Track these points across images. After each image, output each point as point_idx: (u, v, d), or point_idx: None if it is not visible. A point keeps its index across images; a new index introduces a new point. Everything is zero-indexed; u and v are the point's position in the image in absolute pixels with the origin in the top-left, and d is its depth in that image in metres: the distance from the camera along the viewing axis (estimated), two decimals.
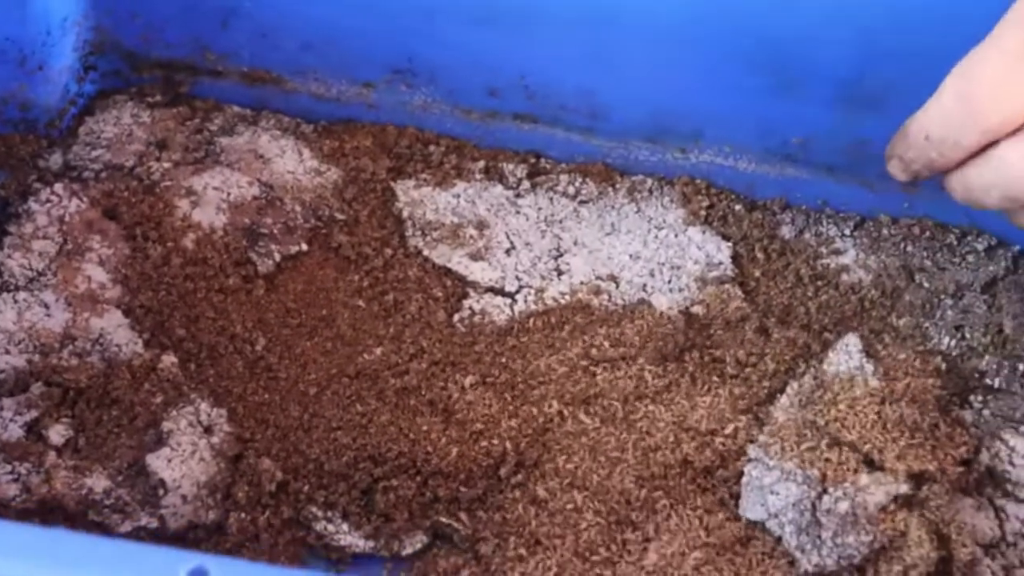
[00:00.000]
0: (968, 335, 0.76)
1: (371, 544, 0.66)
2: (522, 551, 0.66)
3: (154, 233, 0.74)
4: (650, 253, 0.78)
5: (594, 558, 0.65)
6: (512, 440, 0.69)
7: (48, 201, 0.75)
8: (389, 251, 0.77)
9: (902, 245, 0.80)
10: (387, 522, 0.66)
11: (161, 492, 0.64)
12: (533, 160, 0.83)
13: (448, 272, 0.76)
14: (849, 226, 0.81)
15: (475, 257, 0.77)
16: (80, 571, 0.46)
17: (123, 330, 0.70)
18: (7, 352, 0.68)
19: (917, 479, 0.66)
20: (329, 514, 0.66)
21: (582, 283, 0.76)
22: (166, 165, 0.78)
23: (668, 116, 0.81)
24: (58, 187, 0.75)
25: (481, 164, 0.82)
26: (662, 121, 0.81)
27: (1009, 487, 0.70)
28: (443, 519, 0.66)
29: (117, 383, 0.68)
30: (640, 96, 0.81)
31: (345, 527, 0.66)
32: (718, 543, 0.66)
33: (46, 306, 0.70)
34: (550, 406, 0.71)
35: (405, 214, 0.78)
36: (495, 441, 0.69)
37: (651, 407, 0.71)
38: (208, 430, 0.67)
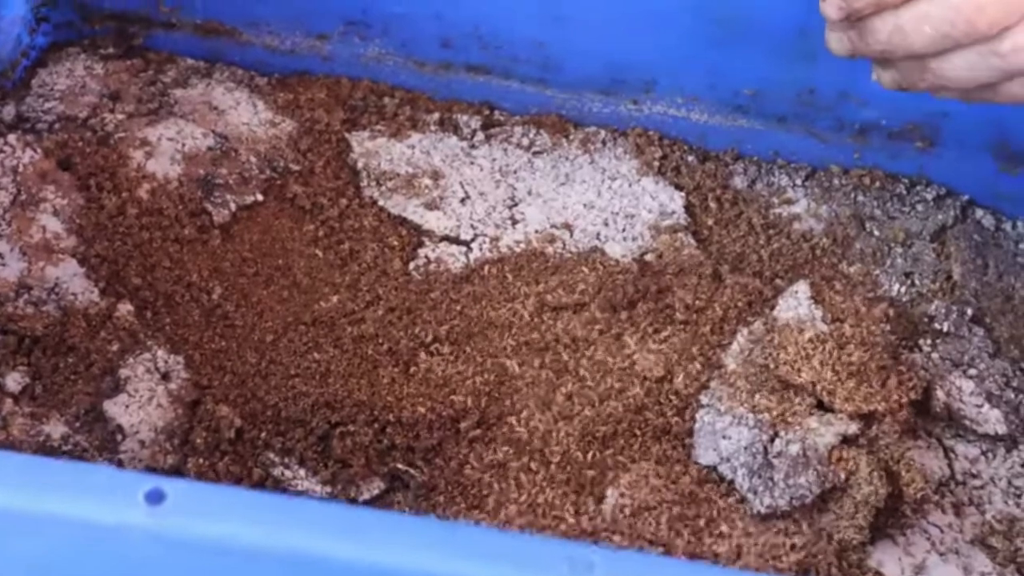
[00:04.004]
0: (917, 282, 0.77)
1: (328, 489, 0.66)
2: (475, 506, 0.66)
3: (108, 184, 0.74)
4: (604, 203, 0.79)
5: (552, 514, 0.65)
6: (472, 395, 0.69)
7: (1, 152, 0.74)
8: (344, 201, 0.77)
9: (853, 195, 0.81)
10: (344, 468, 0.66)
11: (119, 437, 0.64)
12: (487, 112, 0.83)
13: (403, 221, 0.77)
14: (800, 176, 0.82)
15: (430, 206, 0.77)
16: (41, 493, 0.46)
17: (79, 279, 0.70)
18: None
19: (866, 419, 0.67)
20: (286, 460, 0.66)
21: (537, 231, 0.77)
22: (120, 116, 0.78)
23: (620, 68, 0.82)
24: (11, 138, 0.75)
25: (435, 116, 0.82)
26: (614, 73, 0.82)
27: (958, 427, 0.71)
28: (400, 466, 0.67)
29: (73, 331, 0.67)
30: (592, 48, 0.81)
31: (302, 472, 0.66)
32: (674, 491, 0.66)
33: (1, 256, 0.70)
34: (506, 358, 0.71)
35: (360, 165, 0.79)
36: (455, 395, 0.69)
37: (603, 356, 0.71)
38: (165, 376, 0.67)
